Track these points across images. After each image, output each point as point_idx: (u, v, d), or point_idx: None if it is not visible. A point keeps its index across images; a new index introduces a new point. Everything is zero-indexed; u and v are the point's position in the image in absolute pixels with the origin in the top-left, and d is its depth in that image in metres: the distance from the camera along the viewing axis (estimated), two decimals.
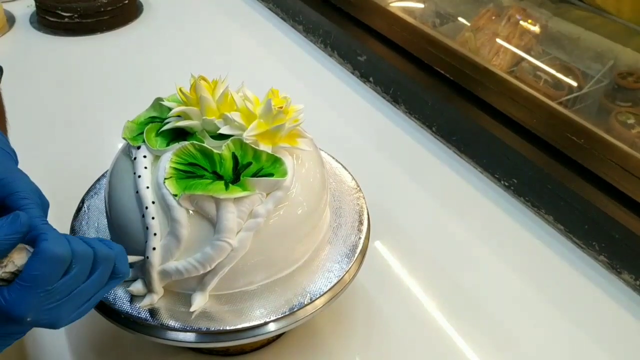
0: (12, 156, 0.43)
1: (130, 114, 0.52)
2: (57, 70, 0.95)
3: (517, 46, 0.93)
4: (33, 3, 1.06)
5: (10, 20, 1.06)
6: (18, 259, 0.34)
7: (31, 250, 0.34)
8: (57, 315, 0.35)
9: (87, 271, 0.36)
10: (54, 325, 0.36)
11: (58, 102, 0.87)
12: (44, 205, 0.38)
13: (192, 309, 0.45)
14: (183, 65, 0.96)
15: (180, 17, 1.11)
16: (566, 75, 0.87)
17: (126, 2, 1.05)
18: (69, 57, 0.99)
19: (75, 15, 1.01)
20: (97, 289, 0.37)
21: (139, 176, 0.45)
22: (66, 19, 1.02)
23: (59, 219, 0.55)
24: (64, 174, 0.73)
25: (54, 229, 0.36)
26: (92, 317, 0.47)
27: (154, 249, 0.44)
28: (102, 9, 1.02)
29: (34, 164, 0.67)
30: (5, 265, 0.33)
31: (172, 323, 0.45)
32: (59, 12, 1.01)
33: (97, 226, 0.52)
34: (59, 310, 0.35)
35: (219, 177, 0.45)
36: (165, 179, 0.44)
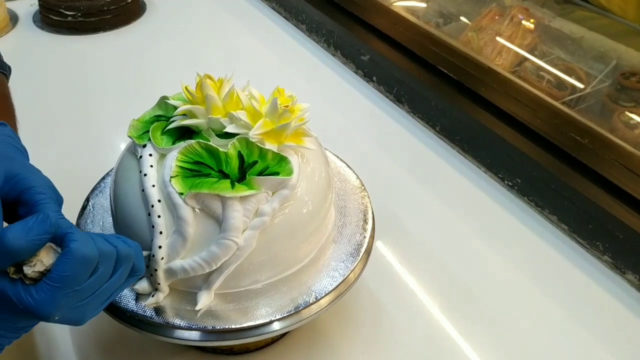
0: (25, 154, 0.43)
1: (134, 112, 0.52)
2: (60, 69, 0.95)
3: (520, 46, 0.93)
4: (36, 2, 1.06)
5: (14, 18, 1.07)
6: (46, 258, 0.34)
7: (58, 249, 0.35)
8: (82, 313, 0.36)
9: (111, 270, 0.37)
10: (77, 323, 0.36)
11: (61, 101, 0.88)
12: (58, 200, 0.38)
13: (197, 308, 0.45)
14: (186, 64, 0.96)
15: (183, 15, 1.11)
16: (569, 75, 0.88)
17: (129, 0, 1.05)
18: (72, 56, 0.99)
19: (79, 14, 1.02)
20: (117, 287, 0.38)
21: (145, 174, 0.45)
22: (69, 18, 1.02)
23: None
24: (68, 173, 0.72)
25: (75, 227, 0.36)
26: (97, 315, 0.47)
27: (159, 247, 0.44)
28: (105, 8, 1.02)
29: (38, 162, 0.67)
30: (34, 265, 0.33)
31: (177, 321, 0.45)
32: (62, 10, 1.01)
33: (102, 224, 0.52)
34: (84, 309, 0.36)
35: (225, 175, 0.45)
36: (171, 177, 0.44)
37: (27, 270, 0.33)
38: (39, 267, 0.34)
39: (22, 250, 0.33)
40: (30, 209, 0.36)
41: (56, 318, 0.34)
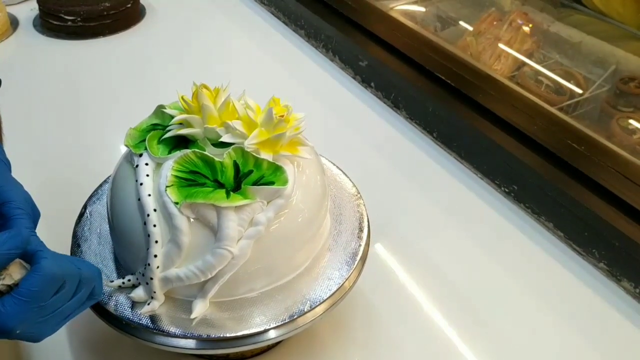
0: (7, 165, 0.44)
1: (132, 118, 0.52)
2: (60, 74, 0.95)
3: (518, 51, 0.93)
4: (36, 6, 1.06)
5: (14, 23, 1.07)
6: (15, 273, 0.35)
7: (26, 265, 0.36)
8: (42, 329, 0.37)
9: (74, 290, 0.38)
10: (37, 339, 0.37)
11: (60, 106, 0.88)
12: (35, 215, 0.40)
13: (192, 316, 0.45)
14: (185, 68, 0.96)
15: (183, 20, 1.12)
16: (568, 80, 0.88)
17: (129, 6, 1.05)
18: (72, 61, 0.99)
19: (78, 19, 1.02)
20: (77, 307, 0.39)
21: (141, 184, 0.46)
22: (69, 23, 1.02)
23: (62, 225, 0.55)
24: (66, 179, 0.73)
25: (45, 245, 0.38)
26: (94, 322, 0.48)
27: (155, 256, 0.44)
28: (105, 13, 1.03)
29: (36, 168, 0.67)
30: (3, 278, 0.34)
31: (173, 330, 0.45)
32: (62, 15, 1.02)
33: (99, 232, 0.53)
34: (45, 325, 0.37)
35: (220, 185, 0.45)
36: (166, 186, 0.45)
37: None
38: (8, 281, 0.34)
39: None
40: (5, 222, 0.37)
41: (17, 332, 0.35)
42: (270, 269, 0.47)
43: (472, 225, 0.69)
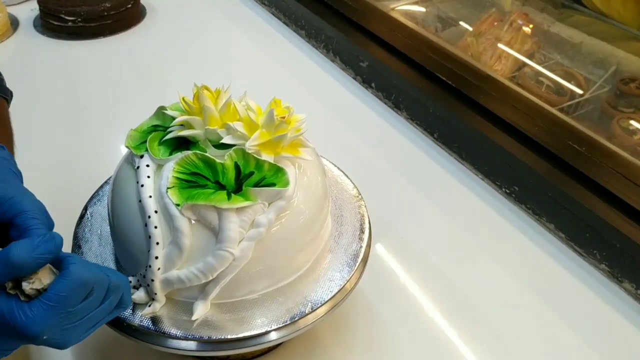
0: (19, 177, 0.44)
1: (133, 119, 0.52)
2: (60, 74, 0.95)
3: (519, 51, 0.93)
4: (37, 7, 1.06)
5: (14, 23, 1.07)
6: (45, 277, 0.35)
7: (55, 271, 0.36)
8: (68, 336, 0.37)
9: (102, 297, 0.38)
10: (62, 346, 0.37)
11: (61, 107, 0.88)
12: (50, 225, 0.39)
13: (193, 318, 0.45)
14: (186, 69, 0.96)
15: (183, 21, 1.12)
16: (568, 81, 0.88)
17: (129, 6, 1.05)
18: (72, 61, 0.99)
19: (79, 19, 1.02)
20: (105, 315, 0.39)
21: (142, 185, 0.46)
22: (70, 23, 1.02)
23: (62, 226, 0.55)
24: (66, 180, 0.73)
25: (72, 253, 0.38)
26: None
27: (156, 257, 0.44)
28: (106, 13, 1.03)
29: (37, 169, 0.67)
30: (33, 282, 0.34)
31: (174, 331, 0.45)
32: (63, 16, 1.02)
33: (99, 233, 0.53)
34: (72, 332, 0.37)
35: (221, 186, 0.45)
36: (167, 188, 0.45)
37: (26, 286, 0.34)
38: (37, 285, 0.34)
39: (26, 266, 0.34)
40: (22, 233, 0.37)
41: (45, 337, 0.35)
42: (272, 270, 0.47)
43: (473, 226, 0.69)
